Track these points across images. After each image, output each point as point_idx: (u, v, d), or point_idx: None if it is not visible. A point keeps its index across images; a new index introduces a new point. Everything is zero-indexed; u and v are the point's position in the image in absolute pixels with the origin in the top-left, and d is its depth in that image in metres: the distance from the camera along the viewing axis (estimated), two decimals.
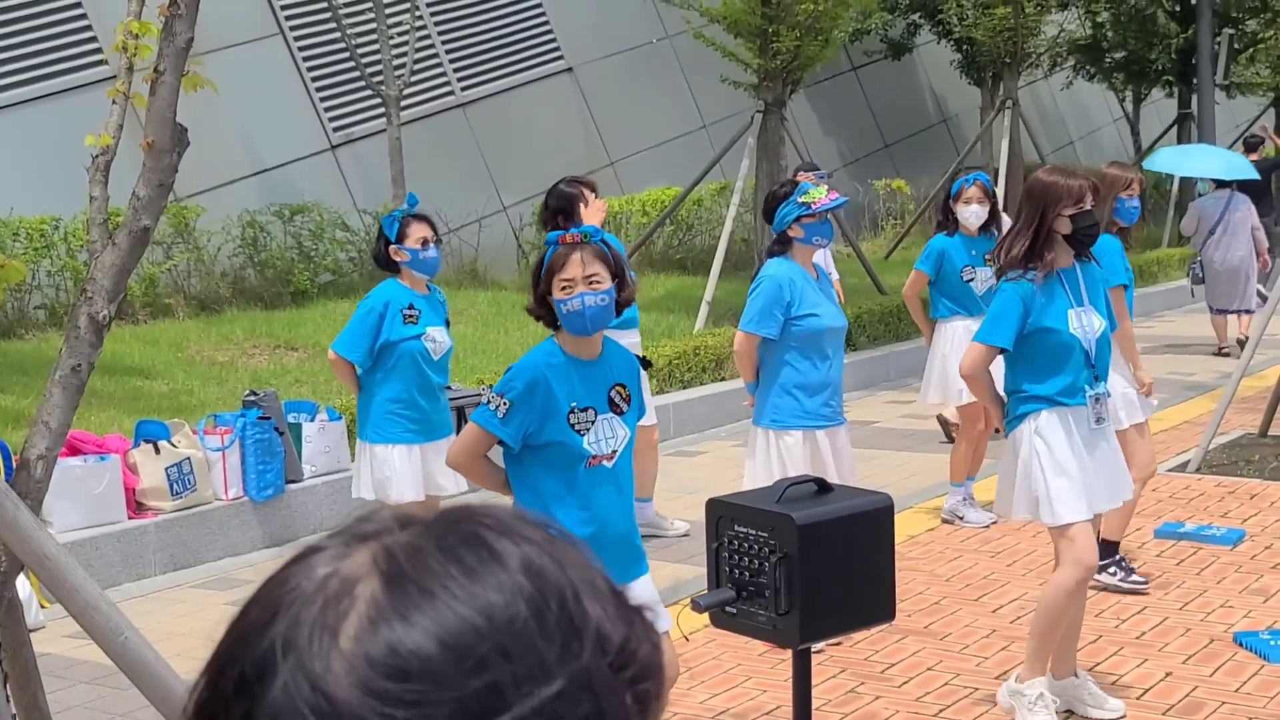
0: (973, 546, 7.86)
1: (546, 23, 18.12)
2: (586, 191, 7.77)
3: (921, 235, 20.42)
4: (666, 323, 13.24)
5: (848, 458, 6.38)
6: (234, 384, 10.21)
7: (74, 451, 7.61)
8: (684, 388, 11.67)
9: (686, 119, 19.56)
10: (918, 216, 19.74)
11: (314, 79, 15.63)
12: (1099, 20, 24.52)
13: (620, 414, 4.55)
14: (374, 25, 14.60)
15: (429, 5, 16.77)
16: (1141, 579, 6.96)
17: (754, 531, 3.71)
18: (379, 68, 14.51)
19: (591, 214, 7.60)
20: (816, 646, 5.14)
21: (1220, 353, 14.50)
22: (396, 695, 0.80)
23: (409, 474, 6.63)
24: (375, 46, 14.64)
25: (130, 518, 7.71)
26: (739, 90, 15.75)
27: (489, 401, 4.45)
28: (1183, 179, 21.45)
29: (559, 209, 7.70)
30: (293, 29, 15.55)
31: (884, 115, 23.51)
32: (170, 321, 12.57)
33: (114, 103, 3.71)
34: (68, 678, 6.16)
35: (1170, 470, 9.27)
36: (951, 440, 9.79)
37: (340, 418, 8.72)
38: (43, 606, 6.81)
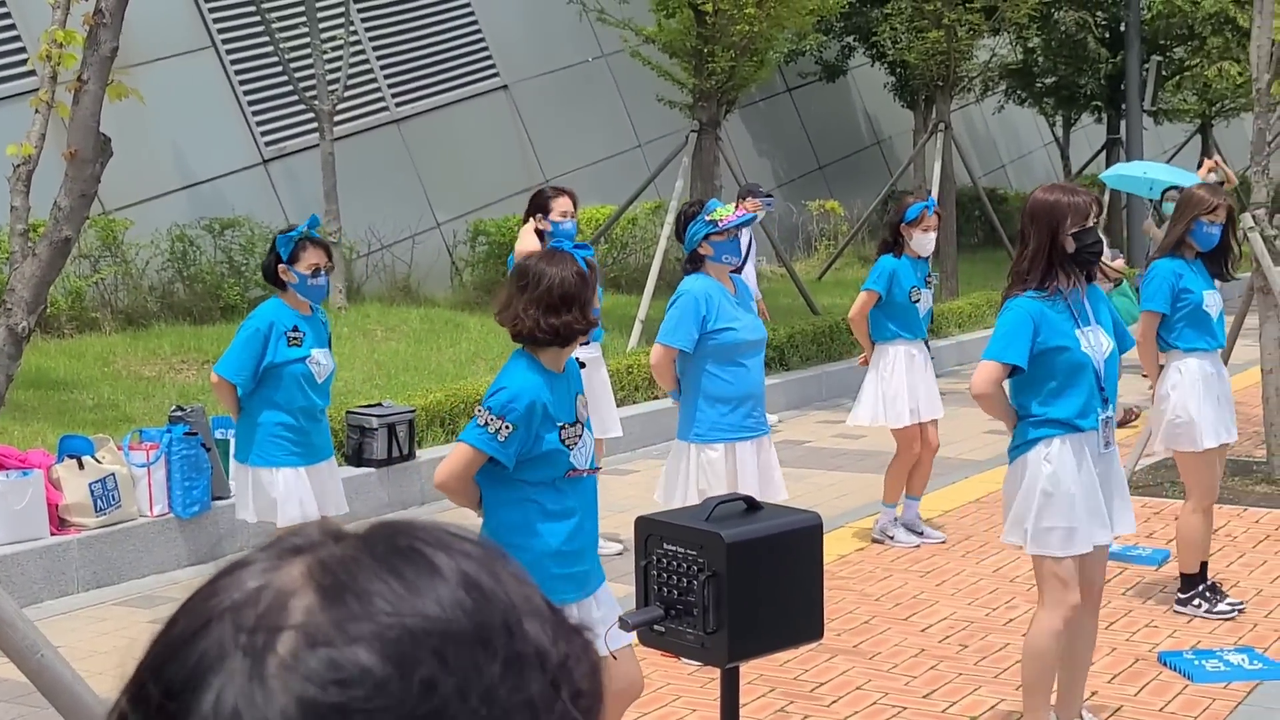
0: (902, 566, 7.89)
1: (482, 40, 18.09)
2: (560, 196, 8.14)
3: (855, 257, 20.55)
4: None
5: (773, 466, 6.45)
6: (161, 399, 10.09)
7: None
8: (617, 406, 11.63)
9: (622, 138, 19.58)
10: (851, 238, 19.85)
11: (246, 92, 15.51)
12: (1030, 46, 24.82)
13: (584, 423, 4.65)
14: (307, 39, 14.51)
15: (364, 20, 16.70)
16: (1236, 601, 7.01)
17: (683, 550, 3.69)
18: (312, 82, 14.42)
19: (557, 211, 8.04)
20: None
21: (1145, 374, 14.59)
22: (337, 709, 0.78)
23: (296, 496, 6.52)
24: (309, 61, 14.56)
25: (53, 534, 7.59)
26: (674, 110, 15.79)
27: (486, 424, 4.38)
28: (1111, 199, 21.72)
29: (538, 206, 8.13)
30: (225, 42, 15.43)
31: (818, 137, 23.65)
32: (97, 335, 12.41)
33: (36, 112, 3.65)
34: None
35: None
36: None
37: None
38: None
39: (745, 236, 12.07)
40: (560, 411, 4.51)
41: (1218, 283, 7.05)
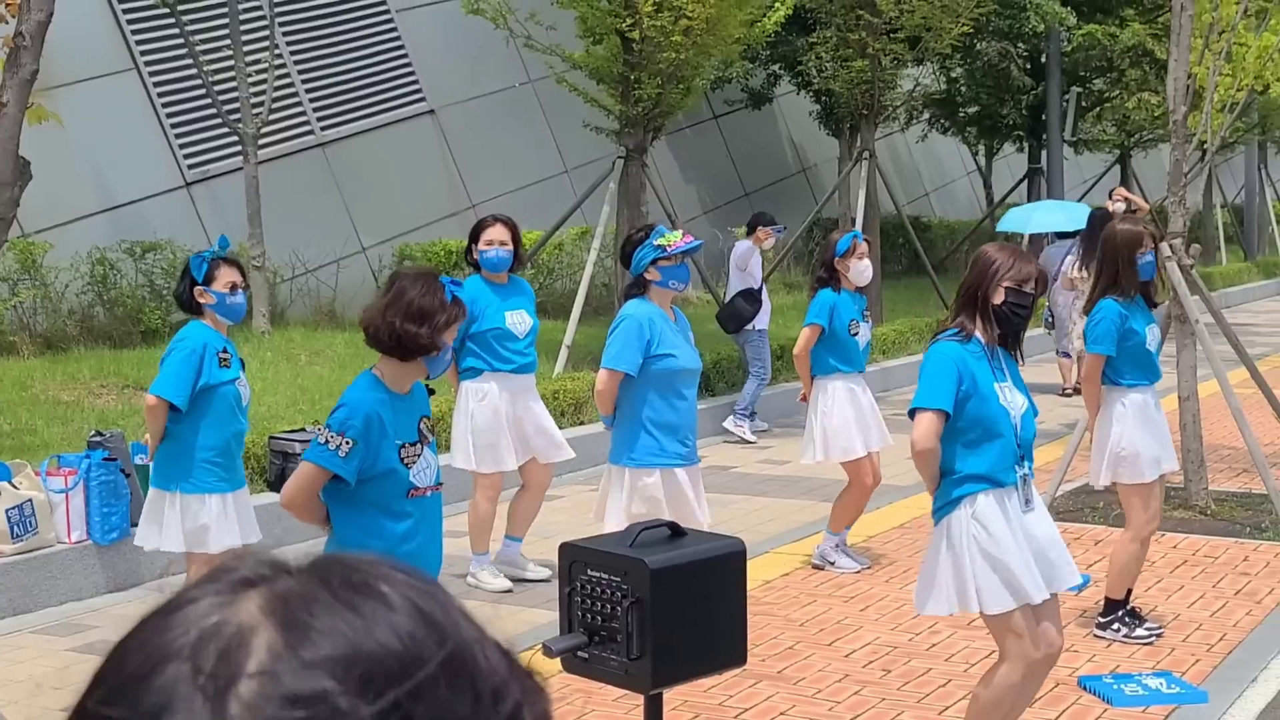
0: (826, 591, 7.92)
1: (409, 64, 18.05)
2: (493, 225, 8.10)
3: (781, 283, 20.66)
4: None
5: (701, 495, 6.50)
6: (79, 424, 9.96)
7: None
8: None
9: (548, 163, 19.59)
10: (776, 264, 19.95)
11: (169, 115, 15.38)
12: (953, 76, 25.10)
13: (427, 444, 4.78)
14: (232, 62, 14.41)
15: (288, 43, 16.61)
16: (1155, 625, 7.10)
17: (606, 576, 3.69)
18: (236, 104, 14.31)
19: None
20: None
21: (1064, 393, 14.87)
22: None
23: (227, 523, 6.36)
24: (233, 83, 14.45)
25: None
26: (601, 136, 15.82)
27: (326, 441, 4.55)
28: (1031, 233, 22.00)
29: (472, 236, 8.16)
30: (147, 64, 15.30)
31: (744, 164, 23.78)
32: (14, 360, 12.24)
33: None
34: None
35: None
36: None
37: None
38: None
39: (756, 265, 12.34)
40: (399, 430, 4.65)
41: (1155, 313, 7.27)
